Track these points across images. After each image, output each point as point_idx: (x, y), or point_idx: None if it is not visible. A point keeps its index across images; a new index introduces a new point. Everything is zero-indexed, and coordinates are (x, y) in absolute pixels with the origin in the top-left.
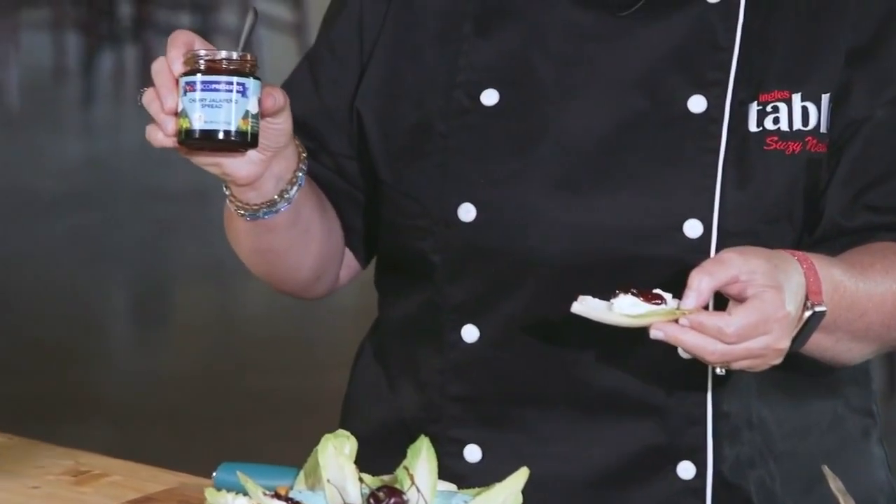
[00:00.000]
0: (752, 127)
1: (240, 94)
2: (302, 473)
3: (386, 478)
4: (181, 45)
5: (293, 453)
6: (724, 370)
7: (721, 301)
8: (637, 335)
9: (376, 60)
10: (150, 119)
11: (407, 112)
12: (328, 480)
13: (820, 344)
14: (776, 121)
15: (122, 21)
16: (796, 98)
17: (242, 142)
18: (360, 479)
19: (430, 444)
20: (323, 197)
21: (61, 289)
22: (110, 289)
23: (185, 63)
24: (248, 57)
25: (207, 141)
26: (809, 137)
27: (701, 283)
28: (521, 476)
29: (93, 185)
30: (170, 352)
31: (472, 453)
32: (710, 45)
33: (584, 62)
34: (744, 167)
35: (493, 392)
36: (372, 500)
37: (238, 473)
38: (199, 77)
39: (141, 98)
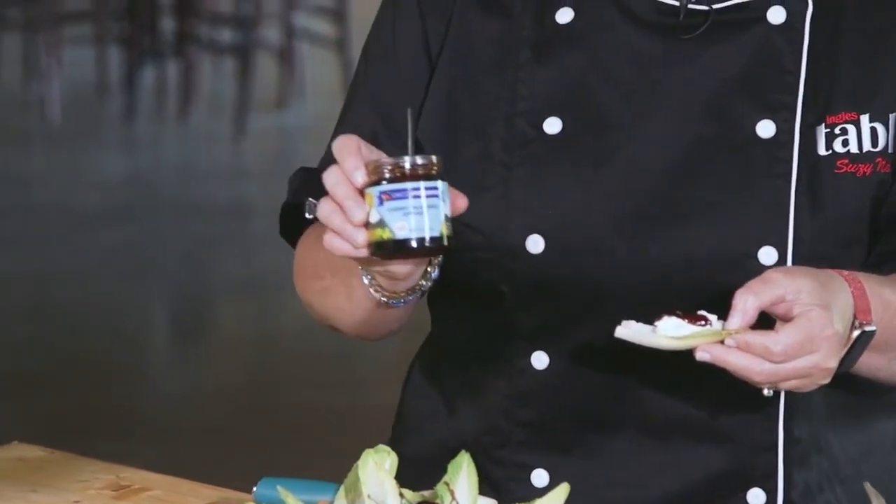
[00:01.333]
0: (822, 150)
1: (438, 199)
2: (342, 489)
3: (426, 493)
4: (355, 153)
5: (333, 469)
6: (771, 391)
7: (766, 323)
8: (705, 364)
9: (435, 90)
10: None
11: (467, 143)
12: (368, 496)
13: (872, 363)
14: (845, 143)
15: (164, 36)
16: (864, 119)
17: (442, 247)
18: (401, 495)
19: (470, 460)
20: None
21: (102, 304)
22: (151, 304)
23: (372, 173)
24: (434, 159)
25: (411, 250)
26: (879, 158)
27: (746, 302)
28: (562, 491)
29: (134, 200)
30: (210, 367)
31: (540, 478)
32: (777, 68)
33: (648, 87)
34: (816, 191)
35: (561, 418)
36: None
37: (278, 488)
38: (397, 185)
39: (309, 210)
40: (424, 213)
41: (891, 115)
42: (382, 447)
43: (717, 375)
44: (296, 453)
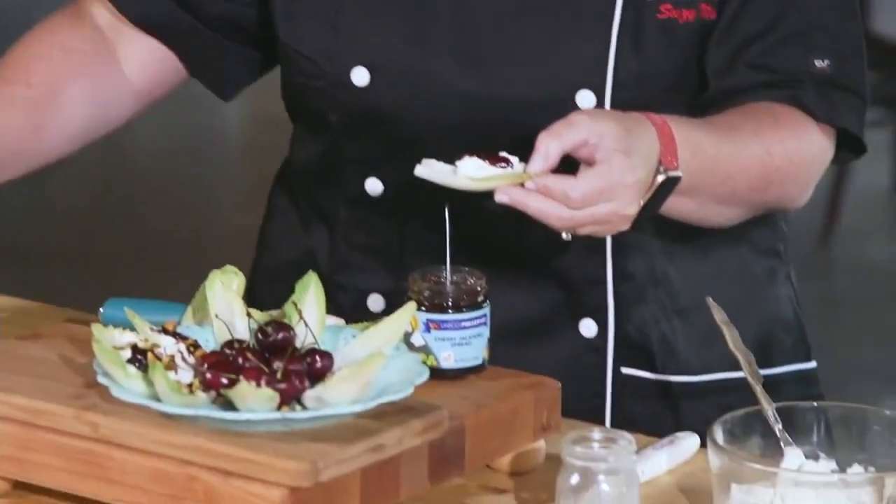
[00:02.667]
0: None
1: (484, 327)
2: (189, 309)
3: (274, 313)
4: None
5: (182, 291)
6: (569, 235)
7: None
8: None
9: None
10: None
11: None
12: (216, 315)
13: (682, 208)
14: None
15: None
16: None
17: (479, 368)
18: (248, 315)
19: (318, 280)
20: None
21: None
22: None
23: (414, 288)
24: (481, 285)
25: (450, 377)
26: (703, 4)
27: (549, 146)
28: (407, 310)
29: None
30: (59, 186)
31: (376, 303)
32: None
33: None
34: (638, 36)
35: (397, 244)
36: (260, 335)
37: (125, 309)
38: (447, 317)
39: None
40: (471, 343)
41: None
42: (230, 268)
43: None
44: (146, 276)
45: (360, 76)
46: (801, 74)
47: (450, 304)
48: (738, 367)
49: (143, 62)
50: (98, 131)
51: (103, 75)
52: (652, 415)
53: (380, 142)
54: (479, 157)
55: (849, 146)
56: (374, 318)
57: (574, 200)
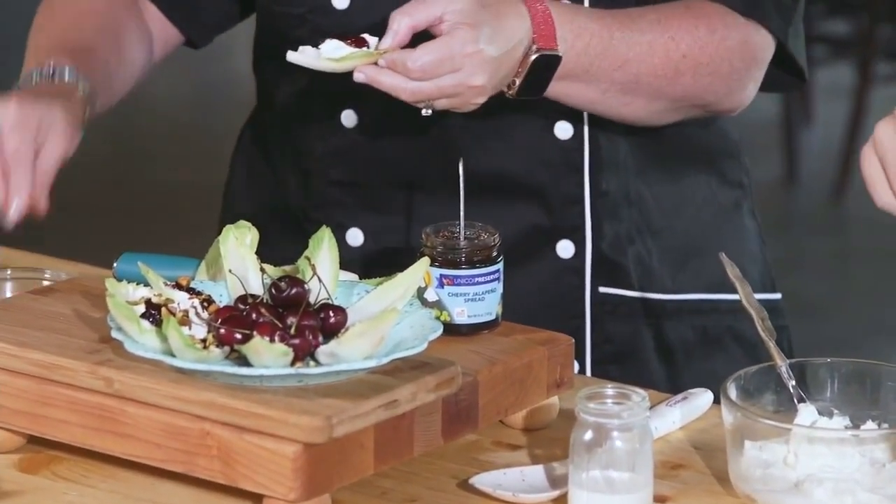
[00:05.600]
0: None
1: (497, 283)
2: (203, 264)
3: (287, 268)
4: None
5: (195, 245)
6: (429, 111)
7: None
8: (513, 119)
9: None
10: None
11: None
12: (230, 271)
13: (581, 94)
14: None
15: None
16: None
17: (492, 324)
18: (262, 270)
19: (331, 235)
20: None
21: None
22: (9, 77)
23: (428, 243)
24: (495, 239)
25: (464, 332)
26: None
27: (400, 22)
28: (421, 265)
29: None
30: None
31: (355, 237)
32: None
33: None
34: None
35: (373, 176)
36: (273, 290)
37: (139, 264)
38: (460, 272)
39: None
40: (484, 298)
41: None
42: (243, 223)
43: (524, 132)
44: (158, 229)
45: None
46: None
47: (463, 259)
48: (711, 290)
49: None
50: (144, 71)
51: (137, 17)
52: (631, 333)
53: None
54: (338, 38)
55: (789, 70)
56: (353, 253)
57: (412, 71)
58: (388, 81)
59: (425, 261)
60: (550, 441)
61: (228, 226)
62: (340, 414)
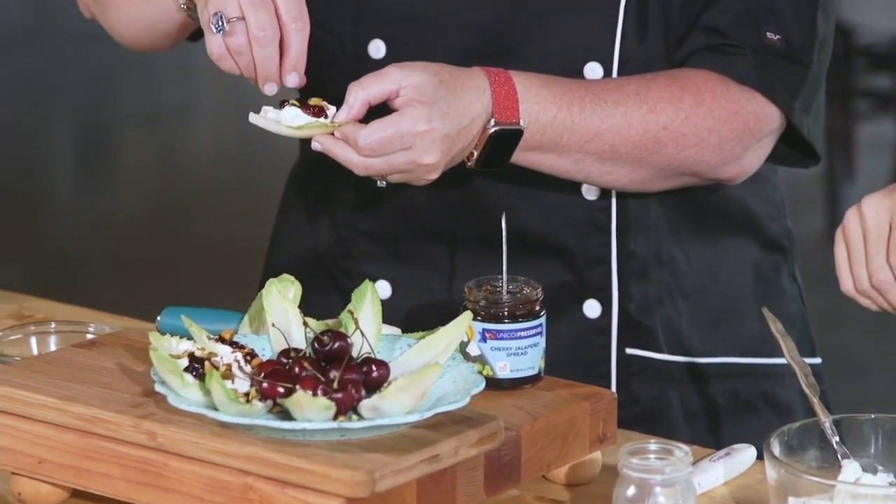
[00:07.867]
0: None
1: (540, 337)
2: (246, 317)
3: (330, 322)
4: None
5: (237, 300)
6: (384, 182)
7: None
8: (540, 177)
9: None
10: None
11: None
12: (273, 324)
13: (554, 165)
14: None
15: None
16: None
17: (535, 378)
18: (305, 323)
19: (374, 289)
20: None
21: (2, 131)
22: (53, 132)
23: (471, 297)
24: (537, 293)
25: (507, 386)
26: None
27: (355, 96)
28: (463, 319)
29: (35, 25)
30: (114, 197)
31: (383, 290)
32: None
33: None
34: (644, 8)
35: (401, 229)
36: (316, 344)
37: (182, 317)
38: (503, 327)
39: (217, 26)
40: (527, 353)
41: None
42: (286, 276)
43: (552, 190)
44: (200, 283)
45: (377, 49)
46: (750, 43)
47: (506, 313)
48: (745, 354)
49: None
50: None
51: None
52: (657, 395)
53: None
54: (299, 105)
55: (803, 151)
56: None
57: (361, 148)
58: (342, 154)
59: (468, 315)
60: (593, 496)
61: (271, 279)
62: (383, 468)
